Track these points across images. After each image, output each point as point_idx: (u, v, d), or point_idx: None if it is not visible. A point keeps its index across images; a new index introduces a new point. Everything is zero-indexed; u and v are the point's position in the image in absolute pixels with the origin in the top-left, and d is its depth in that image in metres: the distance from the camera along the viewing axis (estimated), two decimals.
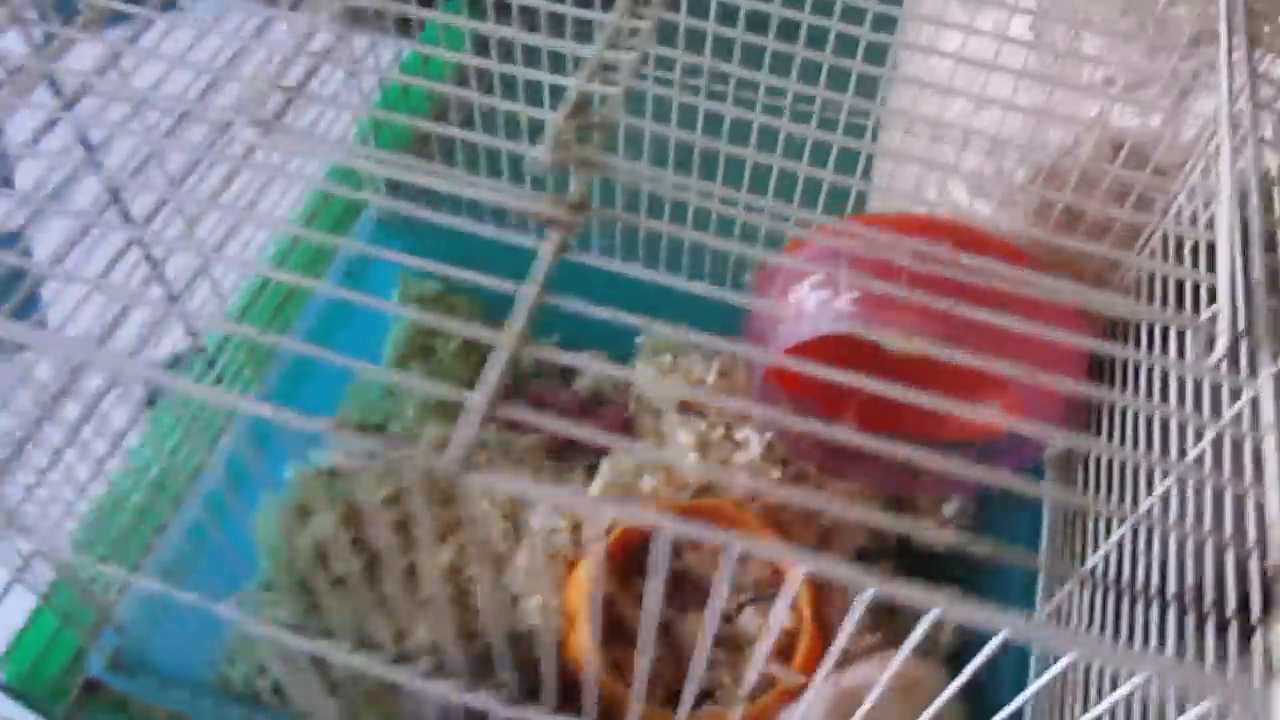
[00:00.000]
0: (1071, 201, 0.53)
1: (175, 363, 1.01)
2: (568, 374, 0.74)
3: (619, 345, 0.73)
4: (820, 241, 0.60)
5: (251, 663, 0.62)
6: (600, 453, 0.67)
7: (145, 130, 0.48)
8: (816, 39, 0.54)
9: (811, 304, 0.57)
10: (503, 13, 0.54)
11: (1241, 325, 0.38)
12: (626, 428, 0.70)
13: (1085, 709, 0.50)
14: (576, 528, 0.62)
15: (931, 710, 0.35)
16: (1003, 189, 0.62)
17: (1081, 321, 0.53)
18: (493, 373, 0.34)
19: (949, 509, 0.68)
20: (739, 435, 0.66)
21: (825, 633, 0.58)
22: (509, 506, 0.64)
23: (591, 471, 0.66)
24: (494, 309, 0.72)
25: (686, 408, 0.68)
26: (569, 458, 0.69)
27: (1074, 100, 0.55)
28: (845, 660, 0.57)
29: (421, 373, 0.73)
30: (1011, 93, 0.56)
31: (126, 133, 0.45)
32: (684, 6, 0.54)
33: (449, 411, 0.71)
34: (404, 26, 0.63)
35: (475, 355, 0.74)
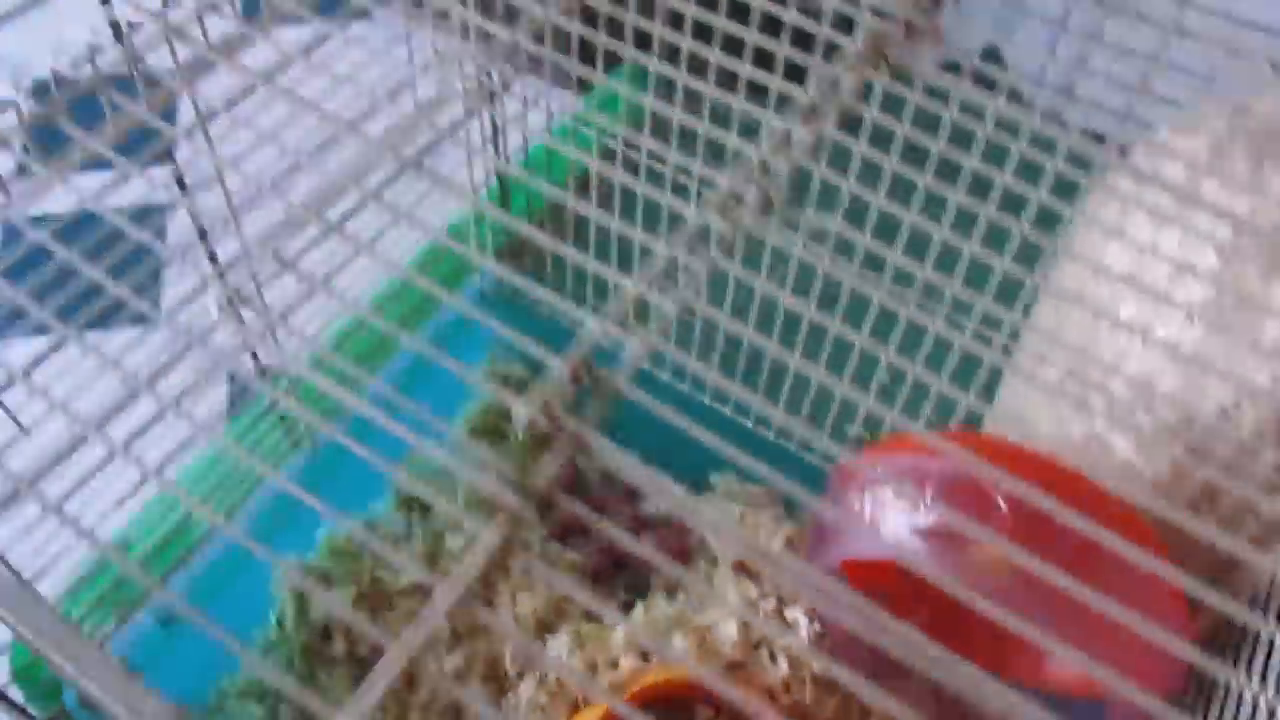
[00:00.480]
0: (1211, 477, 0.47)
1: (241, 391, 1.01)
2: (634, 493, 0.70)
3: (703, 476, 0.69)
4: (912, 452, 0.55)
5: None
6: (642, 590, 0.62)
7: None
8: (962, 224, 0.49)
9: (889, 516, 0.52)
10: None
11: None
12: (679, 561, 0.65)
13: None
14: (593, 667, 0.57)
15: None
16: (1146, 431, 0.57)
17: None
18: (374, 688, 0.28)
19: None
20: (790, 614, 0.60)
21: None
22: (530, 623, 0.60)
23: (627, 609, 0.61)
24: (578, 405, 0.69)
25: (743, 567, 0.63)
26: (609, 585, 0.65)
27: (1243, 356, 0.50)
28: None
29: (487, 454, 0.70)
30: (1176, 331, 0.51)
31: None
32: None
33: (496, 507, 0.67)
34: (581, 81, 0.59)
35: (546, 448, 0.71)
